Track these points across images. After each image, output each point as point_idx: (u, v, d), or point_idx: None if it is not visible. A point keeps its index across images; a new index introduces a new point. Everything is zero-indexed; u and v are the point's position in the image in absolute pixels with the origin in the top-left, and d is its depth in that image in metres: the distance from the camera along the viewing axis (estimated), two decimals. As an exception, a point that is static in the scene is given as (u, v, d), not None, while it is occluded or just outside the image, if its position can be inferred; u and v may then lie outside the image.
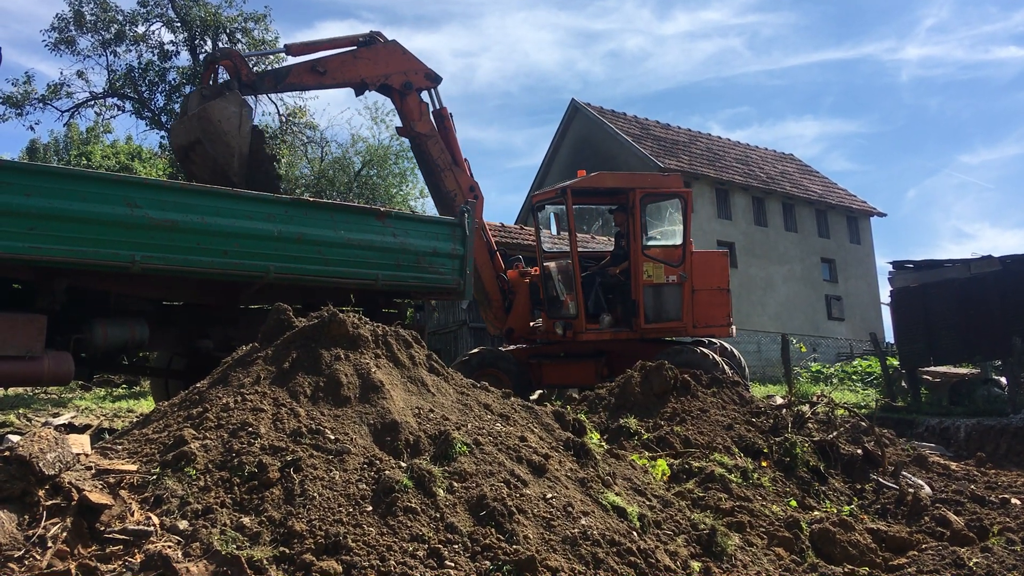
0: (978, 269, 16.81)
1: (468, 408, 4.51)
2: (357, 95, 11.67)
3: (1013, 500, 7.57)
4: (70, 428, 9.74)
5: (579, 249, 12.35)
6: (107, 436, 8.68)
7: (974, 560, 5.11)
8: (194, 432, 3.83)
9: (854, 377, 26.17)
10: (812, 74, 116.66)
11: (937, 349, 16.92)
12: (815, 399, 11.04)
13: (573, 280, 11.78)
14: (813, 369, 27.33)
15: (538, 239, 13.22)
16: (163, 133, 23.80)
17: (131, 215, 7.25)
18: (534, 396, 12.61)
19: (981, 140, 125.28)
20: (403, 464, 3.77)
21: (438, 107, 11.95)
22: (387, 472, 3.64)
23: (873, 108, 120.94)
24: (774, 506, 5.99)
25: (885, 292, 30.68)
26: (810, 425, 7.75)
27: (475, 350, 12.45)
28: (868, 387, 22.77)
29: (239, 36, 24.20)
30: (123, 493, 3.46)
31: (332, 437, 3.87)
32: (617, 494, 4.18)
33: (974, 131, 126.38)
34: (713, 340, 12.53)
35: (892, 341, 22.06)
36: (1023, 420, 12.89)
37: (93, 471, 3.57)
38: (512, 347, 12.41)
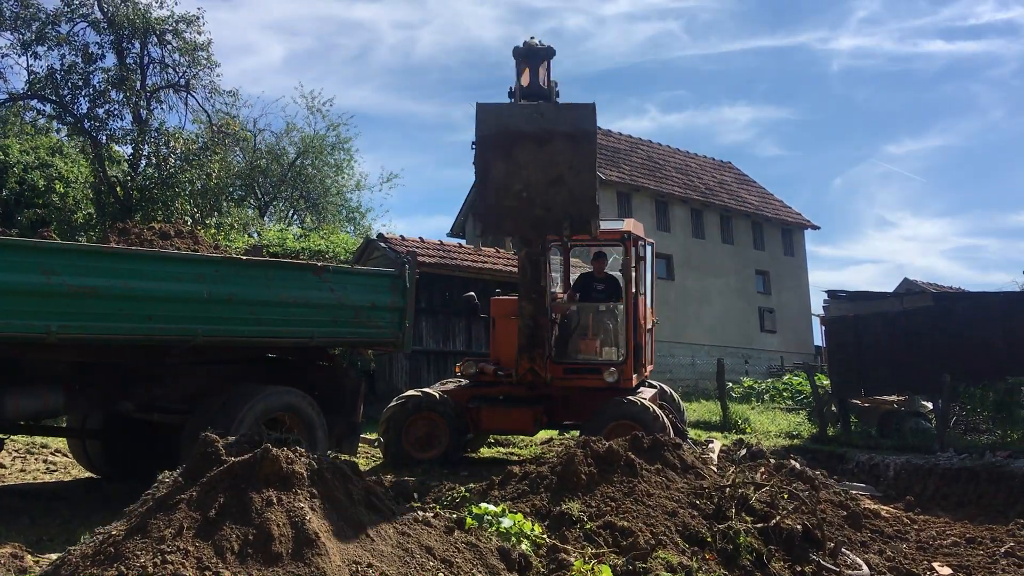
0: (911, 304, 17.12)
1: (409, 554, 4.24)
2: None
3: (943, 571, 7.67)
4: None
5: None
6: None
7: None
8: (108, 610, 3.49)
9: (785, 394, 26.61)
10: (747, 60, 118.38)
11: (868, 380, 17.19)
12: (754, 459, 11.05)
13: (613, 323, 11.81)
14: (745, 384, 27.70)
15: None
16: (82, 139, 23.02)
17: (47, 283, 6.78)
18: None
19: (907, 131, 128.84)
20: (337, 650, 3.49)
21: None
22: (321, 664, 3.35)
23: (804, 96, 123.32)
24: (718, 612, 5.90)
25: (817, 304, 31.25)
26: (753, 502, 7.66)
27: (410, 392, 12.13)
28: (799, 407, 23.14)
29: (169, 39, 23.31)
30: None
31: (261, 613, 3.57)
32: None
33: (900, 122, 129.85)
34: (652, 383, 12.47)
35: (824, 357, 22.45)
36: (950, 460, 13.14)
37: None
38: (450, 391, 12.13)
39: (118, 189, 23.29)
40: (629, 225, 11.75)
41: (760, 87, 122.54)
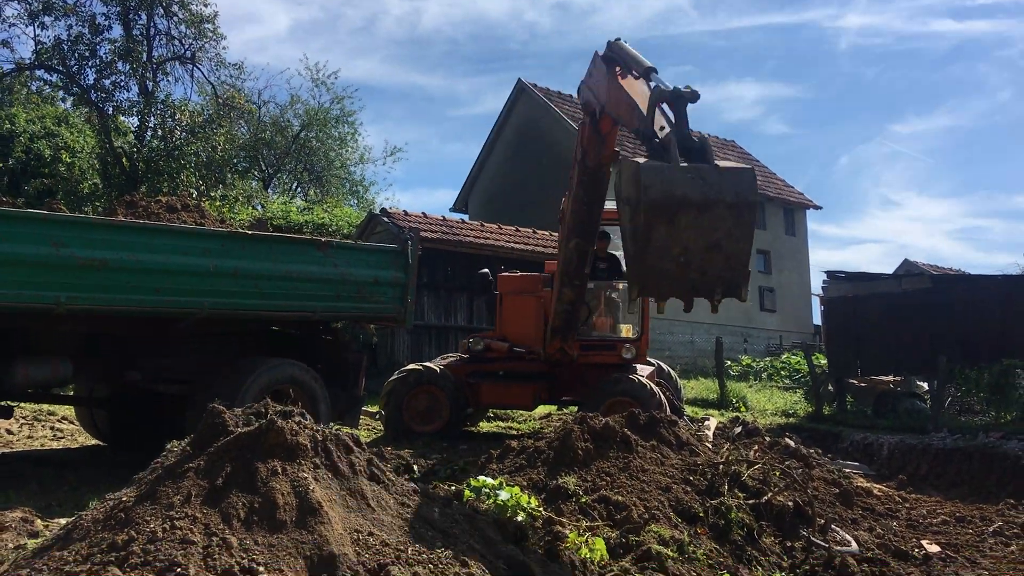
0: (910, 285, 17.22)
1: (408, 524, 4.40)
2: None
3: (931, 548, 7.83)
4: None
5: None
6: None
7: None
8: (119, 572, 3.64)
9: (782, 372, 26.80)
10: (755, 37, 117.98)
11: (865, 360, 17.35)
12: (749, 437, 11.22)
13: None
14: (743, 363, 27.88)
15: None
16: (88, 110, 23.03)
17: (56, 255, 6.91)
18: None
19: (913, 110, 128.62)
20: (339, 612, 3.66)
21: None
22: (323, 625, 3.52)
23: (812, 74, 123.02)
24: (708, 584, 6.07)
25: (817, 284, 31.34)
26: (746, 478, 7.83)
27: (411, 366, 12.29)
28: (796, 385, 23.32)
29: (176, 10, 23.27)
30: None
31: (266, 577, 3.73)
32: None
33: (907, 101, 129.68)
34: (650, 361, 12.62)
35: (822, 336, 22.62)
36: (943, 440, 13.30)
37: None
38: (450, 365, 12.30)
39: (124, 160, 23.37)
40: None
41: (768, 64, 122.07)
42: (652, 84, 7.43)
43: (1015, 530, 8.65)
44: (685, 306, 6.93)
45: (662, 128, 6.99)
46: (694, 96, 6.97)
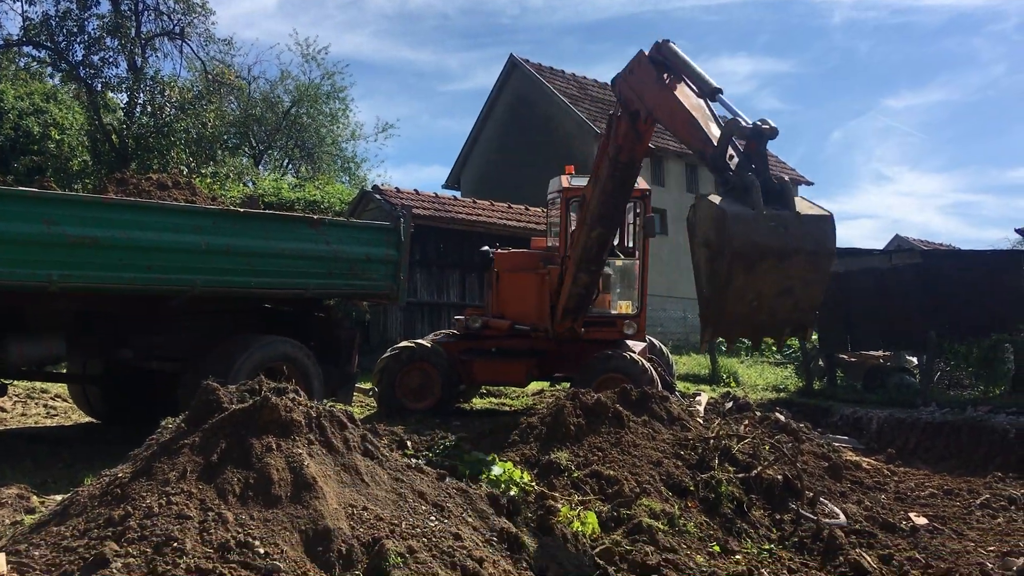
0: (900, 261, 17.29)
1: (402, 499, 4.45)
2: None
3: (919, 520, 7.92)
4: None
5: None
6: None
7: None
8: (116, 547, 3.69)
9: (773, 348, 26.88)
10: (747, 11, 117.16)
11: (855, 336, 17.44)
12: (740, 412, 11.31)
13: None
14: (736, 338, 27.94)
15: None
16: (76, 86, 22.85)
17: (48, 233, 6.91)
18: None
19: (907, 85, 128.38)
20: (335, 584, 3.71)
21: None
22: (318, 598, 3.57)
23: (805, 48, 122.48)
24: (698, 556, 6.15)
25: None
26: (736, 452, 7.91)
27: (404, 343, 12.32)
28: (787, 361, 23.42)
29: (167, -14, 23.10)
30: (41, 628, 3.33)
31: (262, 551, 3.78)
32: (550, 597, 4.21)
33: (900, 75, 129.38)
34: (643, 337, 12.67)
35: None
36: (932, 414, 13.41)
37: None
38: (443, 342, 12.34)
39: (113, 137, 23.24)
40: (643, 183, 12.07)
41: (760, 39, 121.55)
42: (720, 113, 7.15)
43: (1002, 502, 8.76)
44: (753, 344, 7.05)
45: (731, 157, 6.91)
46: (774, 133, 6.84)
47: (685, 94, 7.96)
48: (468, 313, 13.10)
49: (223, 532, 3.85)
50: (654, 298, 24.27)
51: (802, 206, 6.61)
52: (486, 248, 12.81)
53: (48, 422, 10.59)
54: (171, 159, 22.88)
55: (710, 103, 7.74)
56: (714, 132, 7.32)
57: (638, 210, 12.45)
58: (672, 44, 8.33)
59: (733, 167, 6.80)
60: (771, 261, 6.30)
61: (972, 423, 12.26)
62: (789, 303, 6.51)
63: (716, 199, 6.40)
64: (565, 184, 12.39)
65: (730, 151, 6.96)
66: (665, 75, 8.24)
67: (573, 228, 11.43)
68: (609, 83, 9.63)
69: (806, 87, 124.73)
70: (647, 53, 8.60)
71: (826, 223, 6.61)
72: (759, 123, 6.79)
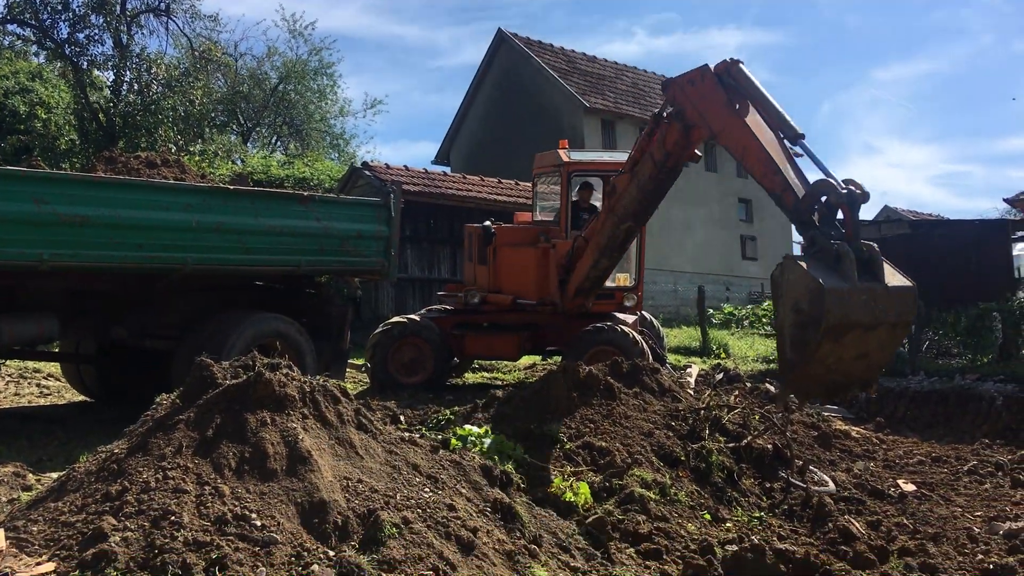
0: (889, 231, 17.38)
1: (397, 471, 4.51)
2: None
3: (907, 487, 8.03)
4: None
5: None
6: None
7: (874, 589, 5.43)
8: (114, 521, 3.73)
9: (764, 320, 27.03)
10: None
11: (845, 307, 17.52)
12: (730, 383, 11.40)
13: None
14: (725, 311, 28.11)
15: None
16: (62, 64, 22.59)
17: (38, 212, 6.92)
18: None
19: (895, 56, 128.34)
20: (331, 554, 3.77)
21: None
22: (315, 568, 3.63)
23: (794, 20, 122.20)
24: (689, 524, 6.24)
25: (797, 233, 31.54)
26: (726, 422, 8.00)
27: (396, 318, 12.36)
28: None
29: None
30: (43, 602, 3.38)
31: (259, 523, 3.83)
32: (544, 564, 4.28)
33: (889, 47, 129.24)
34: (634, 311, 12.73)
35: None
36: (920, 383, 13.54)
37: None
38: (436, 316, 12.38)
39: (101, 116, 23.07)
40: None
41: (750, 10, 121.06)
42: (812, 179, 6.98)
43: (989, 469, 8.87)
44: (823, 401, 7.15)
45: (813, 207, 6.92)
46: (866, 198, 6.93)
47: (758, 125, 7.68)
48: (449, 289, 13.18)
49: (220, 505, 3.90)
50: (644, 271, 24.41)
51: (888, 276, 6.75)
52: (488, 223, 12.77)
53: (41, 401, 10.62)
54: (159, 137, 22.73)
55: (784, 139, 7.57)
56: (792, 177, 7.21)
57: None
58: (743, 66, 7.98)
59: (817, 221, 6.83)
60: (858, 332, 6.53)
61: (960, 391, 12.39)
62: (863, 365, 6.73)
63: (806, 265, 6.41)
64: (565, 158, 12.37)
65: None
66: (736, 102, 7.85)
67: (596, 215, 11.20)
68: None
69: (795, 59, 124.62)
70: (713, 69, 8.16)
71: (910, 295, 6.83)
72: (852, 188, 6.71)
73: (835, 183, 6.82)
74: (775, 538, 6.52)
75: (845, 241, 6.54)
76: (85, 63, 23.31)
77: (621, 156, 12.99)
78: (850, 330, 6.47)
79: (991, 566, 5.75)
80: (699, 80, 8.27)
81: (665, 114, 9.17)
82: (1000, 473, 8.78)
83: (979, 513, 7.35)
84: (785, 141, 7.61)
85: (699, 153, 9.47)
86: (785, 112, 7.60)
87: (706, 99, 8.15)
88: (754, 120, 7.71)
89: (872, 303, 6.51)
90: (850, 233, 6.67)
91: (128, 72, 23.71)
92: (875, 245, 6.80)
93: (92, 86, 24.15)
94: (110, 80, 24.39)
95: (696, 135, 8.81)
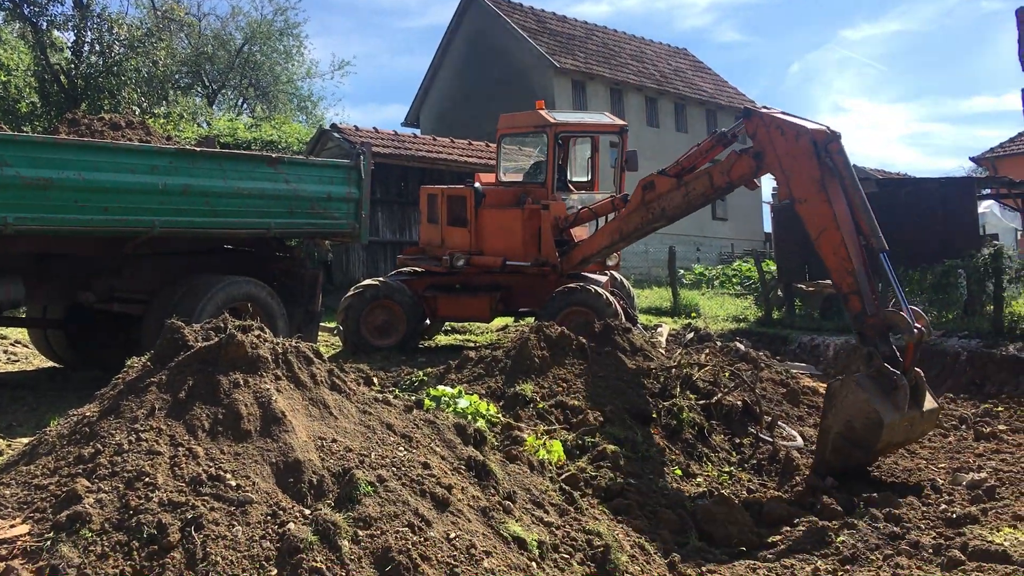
0: (855, 191, 17.48)
1: (371, 431, 4.52)
2: None
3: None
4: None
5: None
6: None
7: (840, 538, 5.56)
8: (87, 483, 3.72)
9: (734, 280, 27.30)
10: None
11: (813, 265, 17.70)
12: (701, 342, 11.51)
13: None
14: (696, 271, 28.32)
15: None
16: (21, 25, 21.94)
17: (1, 176, 6.78)
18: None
19: (864, 16, 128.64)
20: (307, 512, 3.78)
21: None
22: (291, 527, 3.65)
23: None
24: (661, 480, 6.34)
25: (768, 192, 31.67)
26: (697, 380, 8.09)
27: (368, 281, 12.33)
28: (747, 292, 23.80)
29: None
30: (15, 563, 3.38)
31: (233, 483, 3.84)
32: (518, 519, 4.33)
33: (858, 6, 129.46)
34: (605, 271, 12.80)
35: (772, 243, 23.00)
36: (888, 340, 13.77)
37: (-17, 538, 3.47)
38: (407, 279, 12.36)
39: (62, 78, 22.58)
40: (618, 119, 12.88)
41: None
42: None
43: (953, 422, 9.08)
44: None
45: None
46: (929, 337, 7.52)
47: (844, 216, 7.32)
48: (407, 252, 13.17)
49: (194, 466, 3.89)
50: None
51: (927, 402, 7.24)
52: (477, 185, 12.65)
53: (9, 368, 10.51)
54: (122, 99, 22.29)
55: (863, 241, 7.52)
56: (865, 285, 7.31)
57: (615, 141, 12.72)
58: (842, 144, 7.44)
59: (877, 341, 7.13)
60: (890, 448, 7.28)
61: (925, 347, 12.58)
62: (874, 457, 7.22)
63: (865, 390, 6.78)
64: (551, 119, 12.27)
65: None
66: (827, 182, 7.35)
67: (627, 208, 10.70)
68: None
69: (764, 19, 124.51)
70: (811, 132, 7.51)
71: (937, 415, 7.78)
72: (920, 327, 6.85)
73: (907, 318, 6.95)
74: (744, 492, 6.67)
75: (902, 372, 6.85)
76: (44, 23, 22.74)
77: (601, 117, 13.10)
78: (887, 449, 7.18)
79: (954, 515, 5.91)
80: (793, 139, 7.63)
81: (736, 142, 8.97)
82: (964, 426, 8.99)
83: (943, 465, 7.54)
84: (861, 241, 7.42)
85: (758, 184, 9.08)
86: (873, 216, 7.35)
87: (796, 163, 7.56)
88: (840, 207, 7.31)
89: (910, 427, 7.09)
90: (908, 365, 6.93)
91: (89, 33, 23.17)
92: (921, 373, 7.17)
93: (52, 47, 23.59)
94: (71, 41, 23.84)
95: (764, 172, 8.49)
